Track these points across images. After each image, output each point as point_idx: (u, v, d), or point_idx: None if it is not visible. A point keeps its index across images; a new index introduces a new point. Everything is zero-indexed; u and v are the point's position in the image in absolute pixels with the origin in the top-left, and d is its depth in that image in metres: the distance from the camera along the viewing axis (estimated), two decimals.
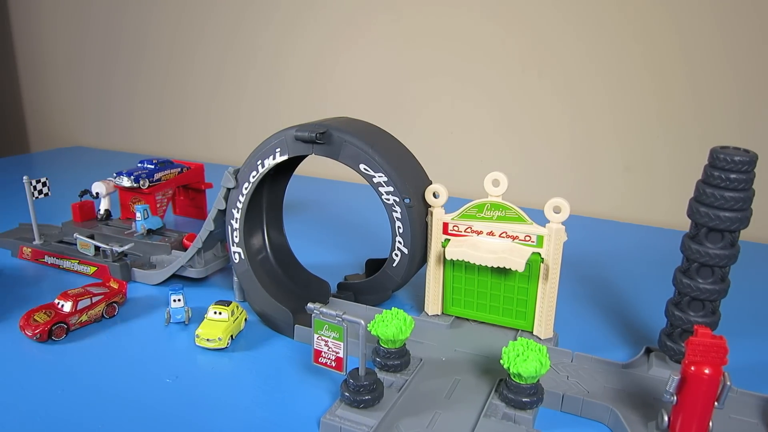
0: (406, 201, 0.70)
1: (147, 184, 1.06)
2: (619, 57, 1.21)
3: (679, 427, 0.53)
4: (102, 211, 1.04)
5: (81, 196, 1.03)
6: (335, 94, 1.52)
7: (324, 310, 0.59)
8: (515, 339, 0.69)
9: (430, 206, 0.72)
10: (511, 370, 0.56)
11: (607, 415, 0.58)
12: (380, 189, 0.71)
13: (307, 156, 0.74)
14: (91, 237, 0.92)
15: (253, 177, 0.75)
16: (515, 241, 0.69)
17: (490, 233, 0.70)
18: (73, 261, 0.89)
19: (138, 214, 0.97)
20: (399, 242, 0.73)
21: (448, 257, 0.69)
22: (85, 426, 0.57)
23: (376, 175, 0.70)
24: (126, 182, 1.05)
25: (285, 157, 0.73)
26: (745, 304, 0.82)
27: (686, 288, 0.61)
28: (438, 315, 0.76)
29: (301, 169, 0.84)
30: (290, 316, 0.73)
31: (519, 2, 1.26)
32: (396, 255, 0.74)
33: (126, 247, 0.90)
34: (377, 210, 0.78)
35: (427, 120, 1.42)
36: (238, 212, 0.77)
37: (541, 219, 0.68)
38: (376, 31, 1.42)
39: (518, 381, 0.57)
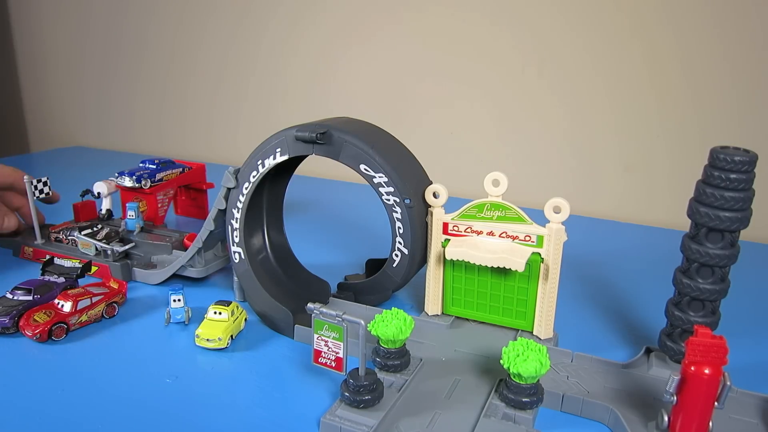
0: (407, 201, 0.70)
1: (149, 184, 1.06)
2: (618, 57, 1.21)
3: (679, 427, 0.53)
4: (104, 211, 1.04)
5: (82, 195, 1.03)
6: (336, 95, 1.52)
7: (324, 310, 0.59)
8: (515, 339, 0.69)
9: (430, 206, 0.72)
10: (511, 370, 0.56)
11: (607, 415, 0.58)
12: (380, 189, 0.71)
13: (307, 156, 0.74)
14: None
15: (254, 177, 0.75)
16: (515, 241, 0.69)
17: (490, 233, 0.70)
18: (74, 261, 0.90)
19: (131, 212, 0.97)
20: (399, 242, 0.73)
21: (448, 257, 0.70)
22: (85, 425, 0.57)
23: (377, 175, 0.70)
24: (128, 182, 1.05)
25: (285, 157, 0.73)
26: (745, 304, 0.82)
27: (686, 288, 0.61)
28: (438, 315, 0.76)
29: (301, 169, 0.84)
30: (290, 316, 0.73)
31: (519, 3, 1.26)
32: (396, 255, 0.74)
33: (127, 247, 0.90)
34: (377, 210, 0.78)
35: (428, 120, 1.42)
36: (238, 212, 0.77)
37: (541, 219, 0.68)
38: (376, 32, 1.42)
39: (518, 381, 0.57)
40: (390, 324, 0.61)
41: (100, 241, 0.89)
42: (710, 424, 0.53)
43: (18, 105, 2.07)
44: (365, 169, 0.71)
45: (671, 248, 0.71)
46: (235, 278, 0.81)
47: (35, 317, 0.71)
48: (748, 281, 0.81)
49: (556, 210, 0.66)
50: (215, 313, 0.71)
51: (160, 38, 1.73)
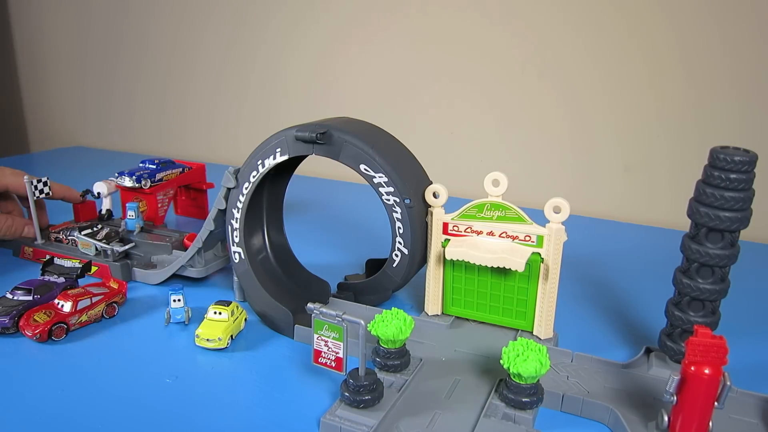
0: (407, 201, 0.70)
1: (149, 184, 1.06)
2: (618, 57, 1.21)
3: (679, 427, 0.53)
4: (104, 211, 1.04)
5: (83, 196, 1.03)
6: (336, 95, 1.52)
7: (324, 310, 0.59)
8: (515, 339, 0.69)
9: (430, 206, 0.72)
10: (511, 370, 0.56)
11: (607, 415, 0.58)
12: (380, 189, 0.71)
13: (307, 156, 0.74)
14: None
15: (254, 177, 0.75)
16: (515, 241, 0.69)
17: (490, 233, 0.70)
18: (74, 261, 0.90)
19: (131, 213, 0.97)
20: (399, 242, 0.73)
21: (448, 257, 0.69)
22: (85, 425, 0.57)
23: (377, 175, 0.70)
24: (128, 182, 1.05)
25: (285, 157, 0.73)
26: (745, 304, 0.82)
27: (686, 288, 0.61)
28: (438, 315, 0.76)
29: (301, 169, 0.84)
30: (290, 316, 0.73)
31: (519, 4, 1.26)
32: (396, 255, 0.74)
33: (127, 247, 0.90)
34: (377, 210, 0.78)
35: (428, 120, 1.42)
36: (238, 212, 0.77)
37: (541, 219, 0.68)
38: (377, 32, 1.42)
39: (518, 381, 0.57)
40: (390, 324, 0.61)
41: (100, 241, 0.89)
42: (710, 424, 0.53)
43: (18, 105, 2.07)
44: (365, 169, 0.71)
45: (671, 248, 0.71)
46: (235, 278, 0.81)
47: (35, 317, 0.71)
48: (748, 281, 0.81)
49: (556, 210, 0.66)
50: (215, 313, 0.71)
51: (161, 38, 1.73)
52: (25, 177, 0.93)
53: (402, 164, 0.72)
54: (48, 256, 0.87)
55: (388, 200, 0.71)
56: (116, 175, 1.07)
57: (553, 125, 1.30)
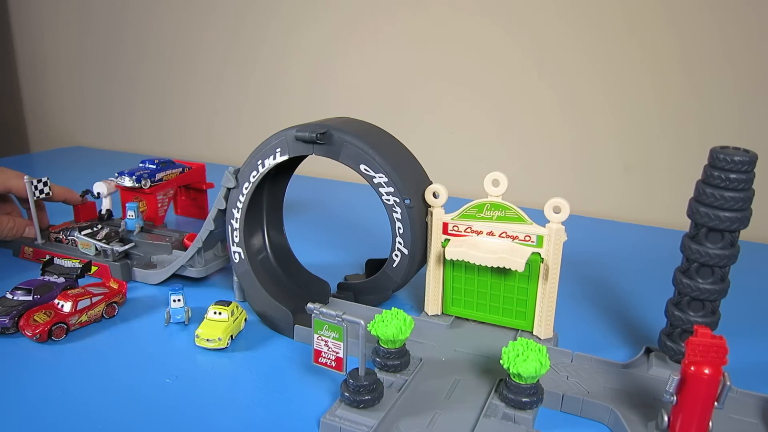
0: (407, 201, 0.70)
1: (149, 184, 1.06)
2: (618, 58, 1.21)
3: (679, 427, 0.53)
4: (103, 211, 1.04)
5: (83, 196, 1.03)
6: (336, 95, 1.52)
7: (324, 310, 0.59)
8: (515, 339, 0.69)
9: (430, 206, 0.72)
10: (511, 370, 0.56)
11: (607, 415, 0.58)
12: (380, 189, 0.71)
13: (307, 156, 0.74)
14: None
15: (254, 177, 0.75)
16: (515, 241, 0.69)
17: (490, 233, 0.70)
18: (74, 261, 0.90)
19: (131, 213, 0.97)
20: (399, 242, 0.73)
21: (448, 257, 0.69)
22: (84, 426, 0.57)
23: (377, 175, 0.70)
24: (128, 182, 1.05)
25: (285, 157, 0.73)
26: (745, 304, 0.82)
27: (686, 288, 0.61)
28: (438, 315, 0.76)
29: (301, 169, 0.84)
30: (290, 316, 0.73)
31: (519, 4, 1.26)
32: (396, 255, 0.74)
33: (127, 247, 0.90)
34: (377, 210, 0.78)
35: (428, 120, 1.42)
36: (238, 212, 0.77)
37: (541, 219, 0.68)
38: (377, 32, 1.42)
39: (518, 381, 0.57)
40: (390, 324, 0.61)
41: (100, 241, 0.89)
42: (710, 424, 0.53)
43: (18, 105, 2.07)
44: (365, 169, 0.71)
45: (671, 248, 0.71)
46: (235, 278, 0.81)
47: (35, 317, 0.71)
48: (748, 281, 0.81)
49: (556, 210, 0.66)
50: (215, 313, 0.71)
51: (161, 38, 1.73)
52: (25, 177, 0.93)
53: (402, 164, 0.72)
54: (48, 256, 0.87)
55: (388, 200, 0.71)
56: (116, 175, 1.07)
57: (553, 125, 1.30)
